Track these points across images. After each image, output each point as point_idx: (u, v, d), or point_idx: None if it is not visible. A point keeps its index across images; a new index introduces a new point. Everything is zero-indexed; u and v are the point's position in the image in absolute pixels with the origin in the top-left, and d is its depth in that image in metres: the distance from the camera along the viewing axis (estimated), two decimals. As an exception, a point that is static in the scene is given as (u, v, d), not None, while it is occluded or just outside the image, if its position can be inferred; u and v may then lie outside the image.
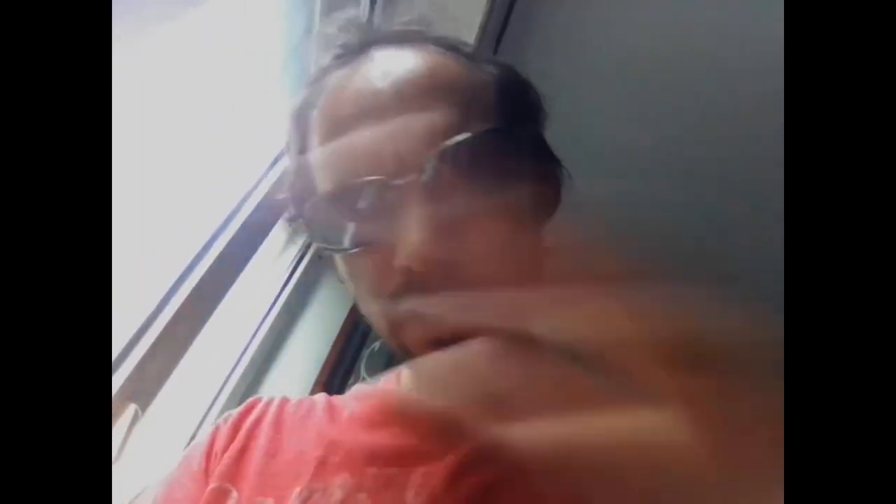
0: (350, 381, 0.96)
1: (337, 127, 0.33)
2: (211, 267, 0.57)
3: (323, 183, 0.34)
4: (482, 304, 0.29)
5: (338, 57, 0.37)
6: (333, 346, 0.95)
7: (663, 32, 0.97)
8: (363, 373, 1.05)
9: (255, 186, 0.66)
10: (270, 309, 0.78)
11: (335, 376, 0.96)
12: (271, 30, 0.65)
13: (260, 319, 0.77)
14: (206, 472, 0.38)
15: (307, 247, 0.85)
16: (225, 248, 0.58)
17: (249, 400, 0.44)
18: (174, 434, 0.58)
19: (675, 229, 0.91)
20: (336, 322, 0.94)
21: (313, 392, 0.86)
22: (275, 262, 0.83)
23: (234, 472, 0.37)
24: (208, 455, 0.39)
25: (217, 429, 0.41)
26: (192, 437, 0.60)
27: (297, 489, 0.35)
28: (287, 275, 0.82)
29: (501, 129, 0.33)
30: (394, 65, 0.34)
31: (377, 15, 0.74)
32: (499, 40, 0.96)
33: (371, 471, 0.35)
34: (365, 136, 0.32)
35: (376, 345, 1.12)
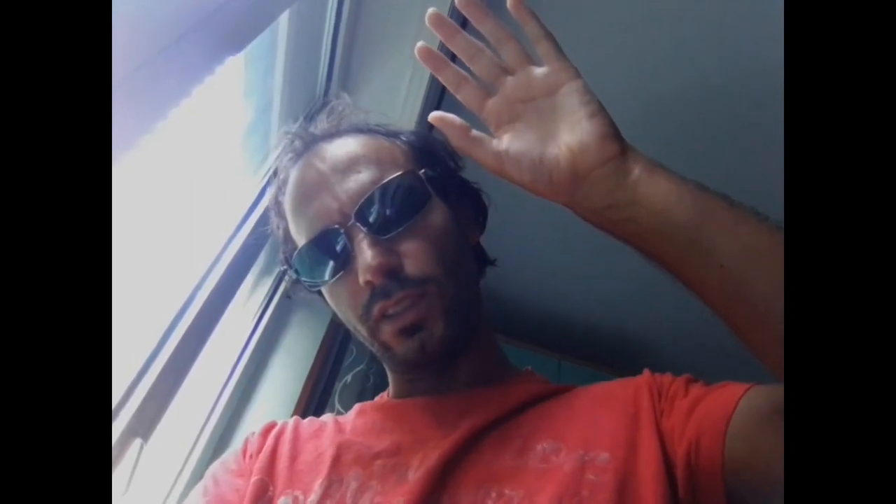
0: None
1: (300, 202, 0.49)
2: (196, 315, 0.65)
3: (300, 240, 0.48)
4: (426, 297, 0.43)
5: (292, 157, 0.52)
6: (306, 382, 0.99)
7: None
8: (338, 405, 1.11)
9: (226, 247, 0.74)
10: (244, 350, 0.84)
11: (309, 410, 1.00)
12: (233, 106, 0.75)
13: (234, 361, 0.83)
14: (242, 467, 0.47)
15: (275, 290, 0.92)
16: (207, 298, 0.67)
17: (267, 422, 0.53)
18: (170, 461, 0.64)
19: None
20: (308, 359, 1.00)
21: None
22: (245, 307, 0.90)
23: (270, 470, 0.46)
24: (244, 455, 0.49)
25: (247, 440, 0.51)
26: (185, 462, 0.67)
27: (319, 481, 0.43)
28: (257, 318, 0.88)
29: (406, 172, 0.47)
30: (330, 151, 0.49)
31: (332, 91, 0.85)
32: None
33: (378, 463, 0.44)
34: (318, 203, 0.46)
35: (348, 377, 1.19)
